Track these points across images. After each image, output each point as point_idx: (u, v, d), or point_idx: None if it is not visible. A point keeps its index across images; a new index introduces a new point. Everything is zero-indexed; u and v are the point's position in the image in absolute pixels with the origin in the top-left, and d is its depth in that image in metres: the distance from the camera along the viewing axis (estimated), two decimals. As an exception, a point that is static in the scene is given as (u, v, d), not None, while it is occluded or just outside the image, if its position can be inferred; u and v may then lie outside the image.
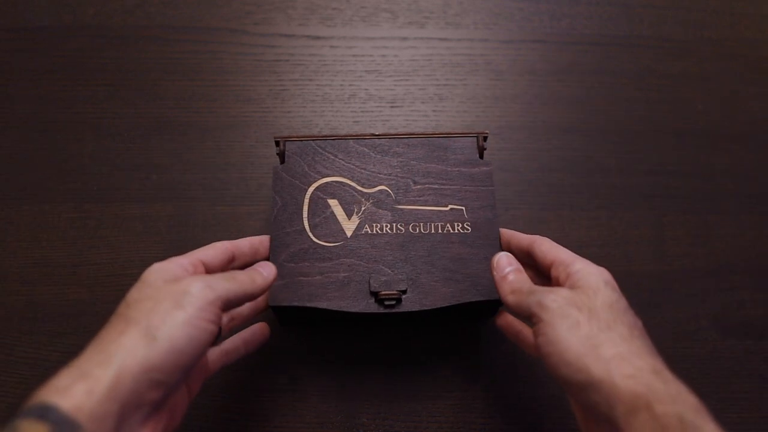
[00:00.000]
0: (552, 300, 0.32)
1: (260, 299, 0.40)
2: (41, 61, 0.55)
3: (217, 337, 0.33)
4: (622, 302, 0.33)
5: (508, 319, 0.41)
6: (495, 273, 0.37)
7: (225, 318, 0.39)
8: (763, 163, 0.54)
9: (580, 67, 0.57)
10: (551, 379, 0.45)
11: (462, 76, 0.56)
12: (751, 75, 0.58)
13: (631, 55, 0.58)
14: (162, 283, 0.31)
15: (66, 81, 0.54)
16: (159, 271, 0.32)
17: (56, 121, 0.53)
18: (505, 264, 0.37)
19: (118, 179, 0.51)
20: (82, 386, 0.26)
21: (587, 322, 0.30)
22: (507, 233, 0.41)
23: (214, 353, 0.38)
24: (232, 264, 0.38)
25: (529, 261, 0.39)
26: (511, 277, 0.36)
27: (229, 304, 0.32)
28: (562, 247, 0.37)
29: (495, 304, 0.40)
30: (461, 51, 0.57)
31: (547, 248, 0.37)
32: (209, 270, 0.35)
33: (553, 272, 0.36)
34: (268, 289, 0.37)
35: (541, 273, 0.38)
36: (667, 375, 0.28)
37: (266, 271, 0.36)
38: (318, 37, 0.57)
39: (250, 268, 0.36)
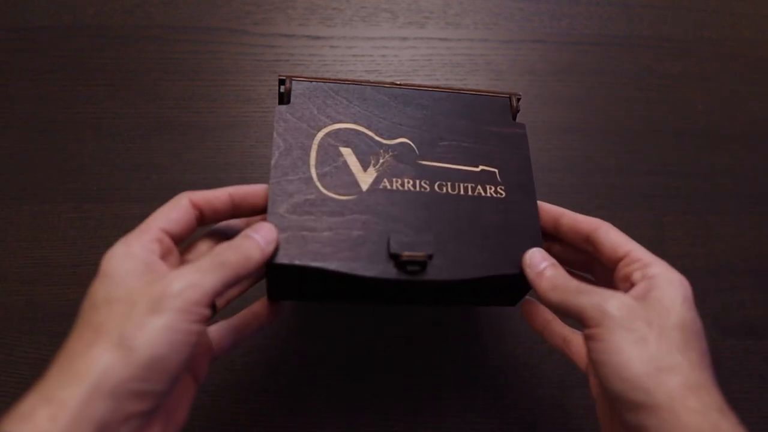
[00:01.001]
0: (616, 308, 0.28)
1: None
2: (41, 61, 0.55)
3: (212, 316, 0.30)
4: (698, 324, 0.29)
5: (537, 308, 0.38)
6: (528, 270, 0.33)
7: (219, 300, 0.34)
8: (763, 163, 0.54)
9: (580, 67, 0.57)
10: (551, 379, 0.45)
11: (462, 76, 0.56)
12: (751, 75, 0.58)
13: (631, 55, 0.58)
14: (133, 280, 0.27)
15: (66, 81, 0.54)
16: (124, 261, 0.28)
17: (56, 121, 0.53)
18: (540, 259, 0.33)
19: (118, 179, 0.51)
20: (44, 412, 0.23)
21: (656, 341, 0.27)
22: (555, 210, 0.36)
23: (221, 330, 0.34)
24: (203, 223, 0.32)
25: (586, 248, 0.35)
26: (549, 272, 0.32)
27: (218, 295, 0.28)
28: (633, 241, 0.33)
29: (527, 286, 0.36)
30: (461, 51, 0.57)
31: (617, 239, 0.33)
32: (176, 239, 0.31)
33: (623, 269, 0.32)
34: (268, 261, 0.31)
35: (601, 264, 0.34)
36: (731, 416, 0.26)
37: (263, 238, 0.30)
38: (318, 37, 0.57)
39: (242, 234, 0.30)
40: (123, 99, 0.54)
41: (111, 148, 0.52)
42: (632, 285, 0.31)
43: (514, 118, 0.39)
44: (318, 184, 0.34)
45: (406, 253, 0.32)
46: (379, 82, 0.38)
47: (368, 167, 0.35)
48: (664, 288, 0.29)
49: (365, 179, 0.35)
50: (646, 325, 0.28)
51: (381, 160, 0.36)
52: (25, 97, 0.54)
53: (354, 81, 0.38)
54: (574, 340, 0.36)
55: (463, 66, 0.57)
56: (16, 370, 0.44)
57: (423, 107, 0.38)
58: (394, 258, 0.32)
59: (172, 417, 0.29)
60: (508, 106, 0.39)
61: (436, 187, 0.35)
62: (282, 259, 0.31)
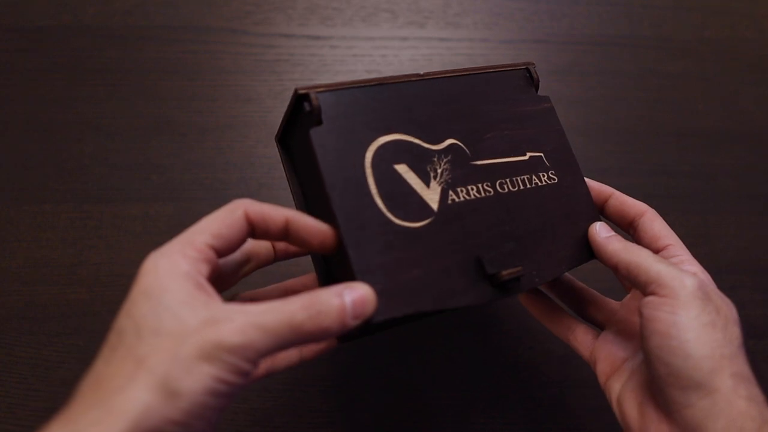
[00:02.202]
0: (695, 285, 0.29)
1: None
2: (41, 61, 0.55)
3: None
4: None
5: (537, 297, 0.38)
6: (598, 238, 0.33)
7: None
8: (763, 163, 0.54)
9: (580, 67, 0.57)
10: (551, 379, 0.45)
11: (462, 76, 0.56)
12: (751, 75, 0.58)
13: (631, 55, 0.58)
14: (186, 311, 0.24)
15: (66, 81, 0.54)
16: (171, 281, 0.24)
17: (56, 121, 0.53)
18: (607, 229, 0.34)
19: (118, 179, 0.51)
20: None
21: (722, 329, 0.28)
22: (605, 190, 0.36)
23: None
24: (252, 238, 0.29)
25: (627, 230, 0.35)
26: (618, 238, 0.33)
27: (280, 351, 0.25)
28: (675, 234, 0.33)
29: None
30: (461, 51, 0.57)
31: (660, 230, 0.33)
32: (221, 254, 0.27)
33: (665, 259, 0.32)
34: (350, 329, 0.26)
35: None
36: None
37: (353, 309, 0.26)
38: (318, 37, 0.57)
39: (332, 292, 0.26)
40: (123, 99, 0.54)
41: (111, 148, 0.52)
42: None
43: (537, 91, 0.37)
44: (389, 215, 0.29)
45: (505, 272, 0.30)
46: (404, 77, 0.33)
47: (430, 182, 0.31)
48: (708, 284, 0.30)
49: (432, 197, 0.31)
50: (716, 312, 0.28)
51: (439, 170, 0.32)
52: (25, 97, 0.54)
53: (378, 80, 0.32)
54: (578, 329, 0.36)
55: (463, 66, 0.57)
56: (16, 370, 0.44)
57: (453, 98, 0.34)
58: (491, 278, 0.30)
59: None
60: (529, 79, 0.37)
61: (498, 188, 0.33)
62: (379, 316, 0.27)
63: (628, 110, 0.55)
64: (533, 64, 0.37)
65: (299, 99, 0.31)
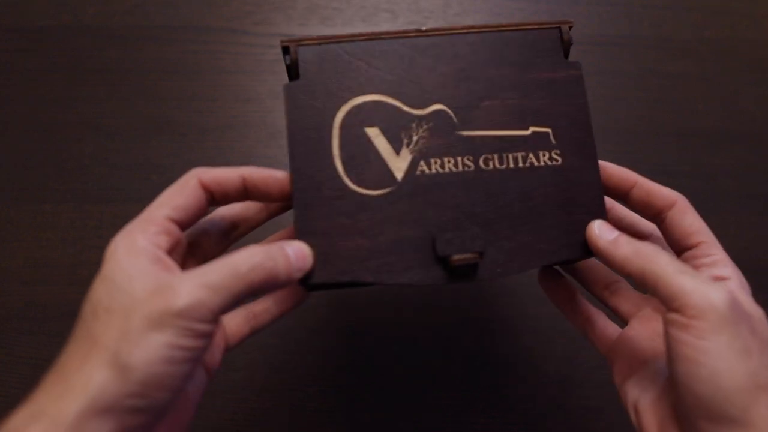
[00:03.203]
0: (725, 303, 0.24)
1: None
2: (41, 61, 0.55)
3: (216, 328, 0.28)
4: None
5: (559, 281, 0.34)
6: (600, 241, 0.29)
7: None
8: (763, 163, 0.54)
9: (580, 67, 0.57)
10: (551, 379, 0.45)
11: (462, 76, 0.56)
12: (751, 75, 0.58)
13: (631, 55, 0.58)
14: (137, 285, 0.24)
15: (66, 81, 0.54)
16: (127, 258, 0.25)
17: (56, 121, 0.53)
18: (609, 228, 0.29)
19: (118, 179, 0.51)
20: (36, 428, 0.22)
21: (758, 354, 0.24)
22: (629, 177, 0.31)
23: (238, 317, 0.32)
24: (213, 205, 0.29)
25: (653, 221, 0.31)
26: (624, 239, 0.28)
27: (232, 307, 0.25)
28: (708, 229, 0.29)
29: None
30: (461, 51, 0.57)
31: (692, 224, 0.29)
32: (184, 226, 0.28)
33: (690, 260, 0.29)
34: (295, 281, 0.27)
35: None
36: None
37: (295, 261, 0.27)
38: (318, 37, 0.57)
39: (273, 245, 0.27)
40: (123, 99, 0.54)
41: (111, 148, 0.52)
42: None
43: (566, 56, 0.32)
44: (346, 179, 0.29)
45: (456, 257, 0.28)
46: (401, 32, 0.31)
47: (401, 149, 0.30)
48: (742, 294, 0.27)
49: (399, 165, 0.30)
50: (750, 334, 0.25)
51: (415, 137, 0.30)
52: (25, 97, 0.54)
53: (371, 35, 0.31)
54: (598, 321, 0.33)
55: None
56: (16, 370, 0.44)
57: (457, 57, 0.31)
58: (443, 261, 0.29)
59: (177, 417, 0.27)
60: (558, 41, 0.32)
61: (481, 163, 0.30)
62: (315, 279, 0.28)
63: (628, 110, 0.55)
64: (571, 23, 0.32)
65: (284, 50, 0.30)
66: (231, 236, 0.32)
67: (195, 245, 0.31)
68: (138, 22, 0.57)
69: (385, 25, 0.58)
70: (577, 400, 0.44)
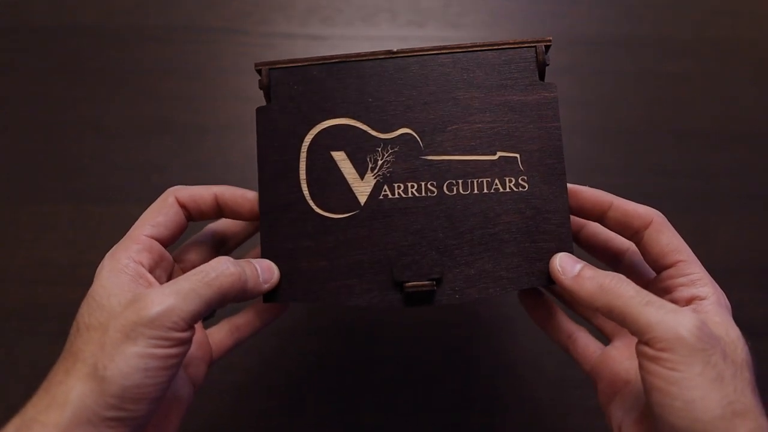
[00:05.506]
0: (693, 333, 0.24)
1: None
2: (41, 61, 0.55)
3: (209, 317, 0.29)
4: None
5: (539, 300, 0.34)
6: (562, 278, 0.28)
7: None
8: (763, 163, 0.54)
9: (580, 67, 0.57)
10: (551, 379, 0.45)
11: (462, 76, 0.56)
12: (751, 75, 0.58)
13: (631, 55, 0.58)
14: (115, 301, 0.25)
15: (66, 81, 0.54)
16: (109, 278, 0.26)
17: (56, 121, 0.53)
18: (572, 262, 0.29)
19: (118, 179, 0.51)
20: None
21: (731, 379, 0.24)
22: (604, 199, 0.31)
23: (221, 331, 0.33)
24: (192, 220, 0.31)
25: (631, 240, 0.31)
26: (588, 272, 0.28)
27: (200, 318, 0.26)
28: (687, 247, 0.29)
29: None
30: (461, 51, 0.57)
31: (670, 243, 0.29)
32: (166, 243, 0.29)
33: (668, 280, 0.29)
34: (264, 292, 0.29)
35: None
36: None
37: (264, 271, 0.29)
38: (318, 37, 0.57)
39: (243, 261, 0.28)
40: (123, 99, 0.54)
41: (111, 148, 0.52)
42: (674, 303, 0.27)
43: (542, 77, 0.31)
44: (311, 202, 0.30)
45: (410, 284, 0.29)
46: (371, 54, 0.32)
47: (366, 173, 0.31)
48: (718, 314, 0.27)
49: (363, 190, 0.30)
50: (722, 359, 0.24)
51: (380, 161, 0.31)
52: (25, 97, 0.54)
53: (342, 57, 0.32)
54: (579, 338, 0.33)
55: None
56: (16, 370, 0.44)
57: (427, 80, 0.31)
58: (399, 286, 0.29)
59: (162, 430, 0.28)
60: (533, 62, 0.31)
61: (445, 189, 0.30)
62: (278, 298, 0.30)
63: (628, 110, 0.55)
64: (548, 41, 0.31)
65: (258, 71, 0.32)
66: (221, 251, 0.34)
67: (186, 261, 0.32)
68: (138, 22, 0.57)
69: (385, 24, 0.58)
70: (577, 400, 0.44)
